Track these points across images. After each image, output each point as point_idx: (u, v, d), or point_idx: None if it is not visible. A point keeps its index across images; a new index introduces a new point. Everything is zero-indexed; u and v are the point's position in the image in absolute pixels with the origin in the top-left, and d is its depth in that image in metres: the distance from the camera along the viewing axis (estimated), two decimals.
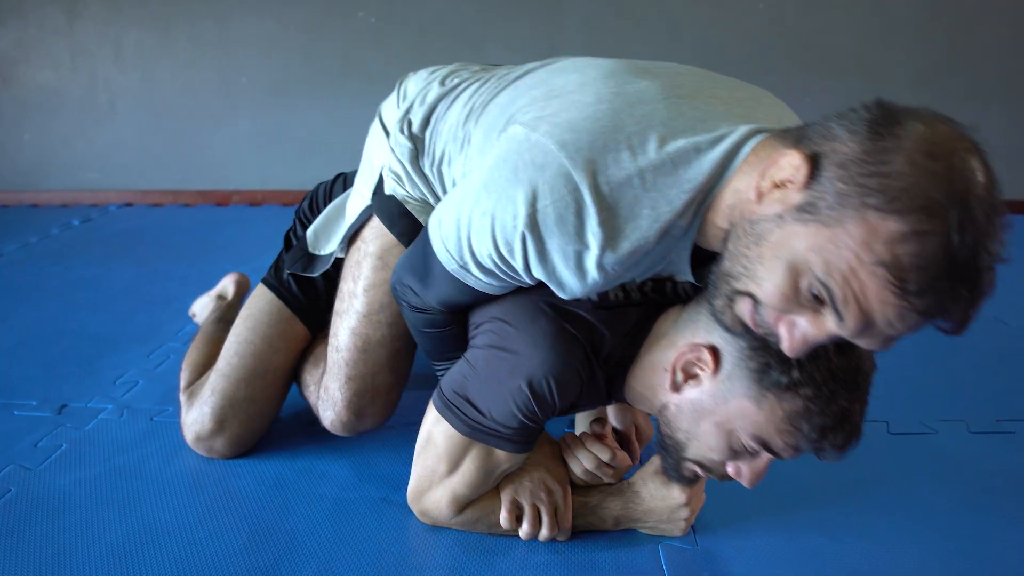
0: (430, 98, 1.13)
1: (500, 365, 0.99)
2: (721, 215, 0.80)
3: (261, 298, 1.36)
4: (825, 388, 0.85)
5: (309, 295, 1.35)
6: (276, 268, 1.39)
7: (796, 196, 0.72)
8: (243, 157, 3.13)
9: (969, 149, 0.68)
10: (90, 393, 1.55)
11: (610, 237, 0.80)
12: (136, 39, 3.01)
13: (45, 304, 2.05)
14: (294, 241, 1.41)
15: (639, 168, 0.79)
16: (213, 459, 1.32)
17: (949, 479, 1.27)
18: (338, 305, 1.25)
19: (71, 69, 3.02)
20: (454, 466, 1.06)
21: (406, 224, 1.15)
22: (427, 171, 1.12)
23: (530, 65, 1.06)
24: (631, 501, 1.09)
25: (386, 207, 1.17)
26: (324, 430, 1.29)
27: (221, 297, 1.72)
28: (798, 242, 0.71)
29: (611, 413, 1.20)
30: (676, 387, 0.93)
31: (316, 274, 1.33)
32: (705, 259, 0.85)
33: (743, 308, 0.78)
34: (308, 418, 1.38)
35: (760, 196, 0.75)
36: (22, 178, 3.14)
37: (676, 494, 1.05)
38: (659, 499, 1.07)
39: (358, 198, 1.25)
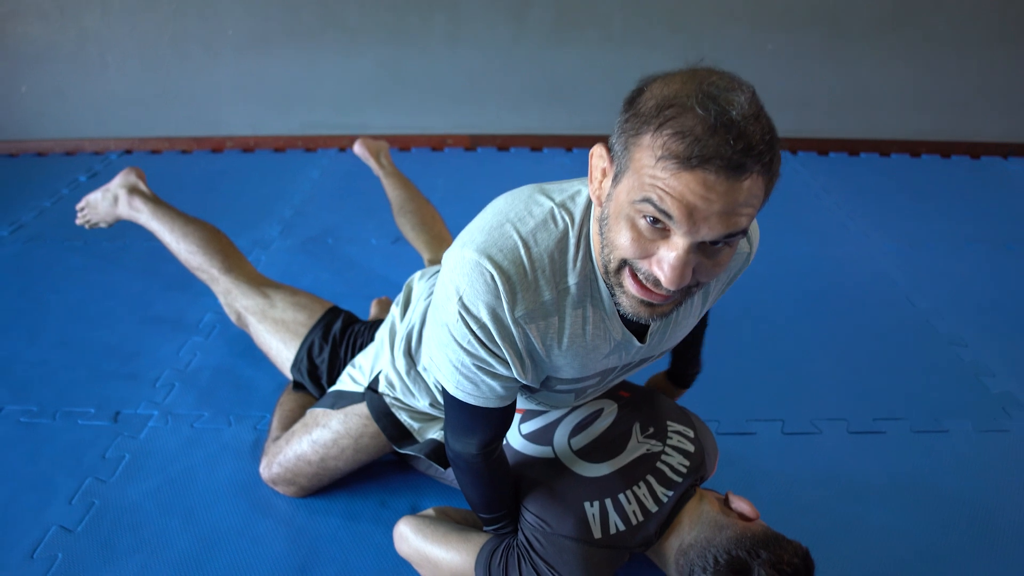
0: (421, 310, 1.42)
1: None
2: (597, 246, 0.99)
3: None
4: None
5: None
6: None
7: (610, 175, 0.91)
8: (233, 106, 3.29)
9: (696, 73, 0.85)
10: (136, 399, 1.86)
11: (511, 290, 0.99)
12: None
13: (72, 289, 2.32)
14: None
15: (521, 236, 1.00)
16: (249, 467, 1.66)
17: (825, 480, 1.63)
18: (310, 417, 1.54)
19: (60, 23, 3.11)
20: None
21: (387, 422, 1.44)
22: (424, 375, 1.40)
23: None
24: None
25: (375, 404, 1.45)
26: None
27: (134, 190, 1.96)
28: (621, 199, 0.88)
29: None
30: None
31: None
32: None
33: (629, 284, 0.93)
34: None
35: (599, 200, 0.94)
36: (24, 128, 3.30)
37: None
38: None
39: (359, 374, 1.52)
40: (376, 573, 1.43)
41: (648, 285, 0.91)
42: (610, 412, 1.39)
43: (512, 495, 1.31)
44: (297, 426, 1.56)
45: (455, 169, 3.22)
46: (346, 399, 1.50)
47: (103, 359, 2.01)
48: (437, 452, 1.43)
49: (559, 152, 3.39)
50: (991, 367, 1.98)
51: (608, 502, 1.27)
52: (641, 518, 1.27)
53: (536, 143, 3.39)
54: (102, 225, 2.04)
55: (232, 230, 2.65)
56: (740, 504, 1.27)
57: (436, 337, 1.08)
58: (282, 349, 1.71)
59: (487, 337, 1.03)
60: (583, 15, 3.11)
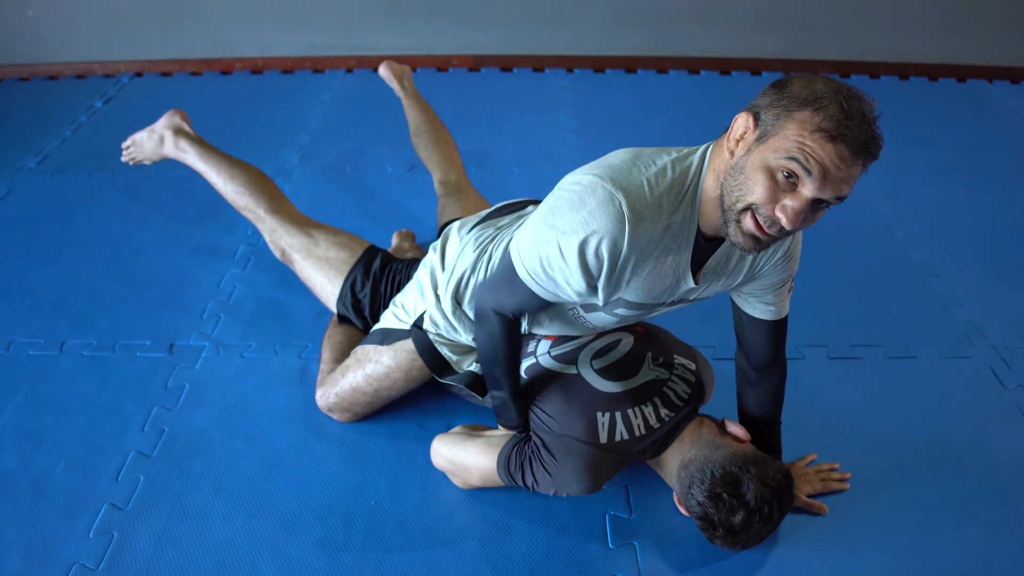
0: (470, 260, 1.58)
1: (546, 482, 1.48)
2: (711, 190, 1.20)
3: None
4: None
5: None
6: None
7: (752, 136, 1.13)
8: (241, 27, 3.34)
9: (829, 80, 1.11)
10: (187, 331, 2.05)
11: (635, 218, 1.18)
12: None
13: (109, 221, 2.47)
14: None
15: (646, 176, 1.20)
16: (299, 394, 1.87)
17: (806, 402, 1.85)
18: (361, 352, 1.74)
19: None
20: (481, 484, 1.61)
21: (431, 356, 1.64)
22: (469, 311, 1.57)
23: None
24: None
25: (420, 340, 1.65)
26: None
27: (180, 131, 2.09)
28: (765, 154, 1.10)
29: None
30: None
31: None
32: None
33: (748, 222, 1.14)
34: None
35: (732, 153, 1.16)
36: (34, 52, 3.34)
37: None
38: None
39: (403, 313, 1.71)
40: (421, 485, 1.66)
41: (764, 226, 1.15)
42: (627, 342, 1.61)
43: (515, 377, 1.52)
44: (350, 361, 1.76)
45: (460, 92, 3.32)
46: (393, 336, 1.69)
47: (150, 291, 2.18)
48: (473, 383, 1.64)
49: (560, 73, 3.48)
50: (959, 296, 2.19)
51: (618, 414, 1.49)
52: (643, 432, 1.50)
53: (539, 64, 3.47)
54: (146, 162, 2.18)
55: (254, 159, 2.76)
56: (734, 429, 1.50)
57: (542, 234, 1.25)
58: (326, 284, 1.89)
59: (595, 266, 1.23)
60: None
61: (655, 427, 1.51)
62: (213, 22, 3.32)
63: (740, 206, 1.14)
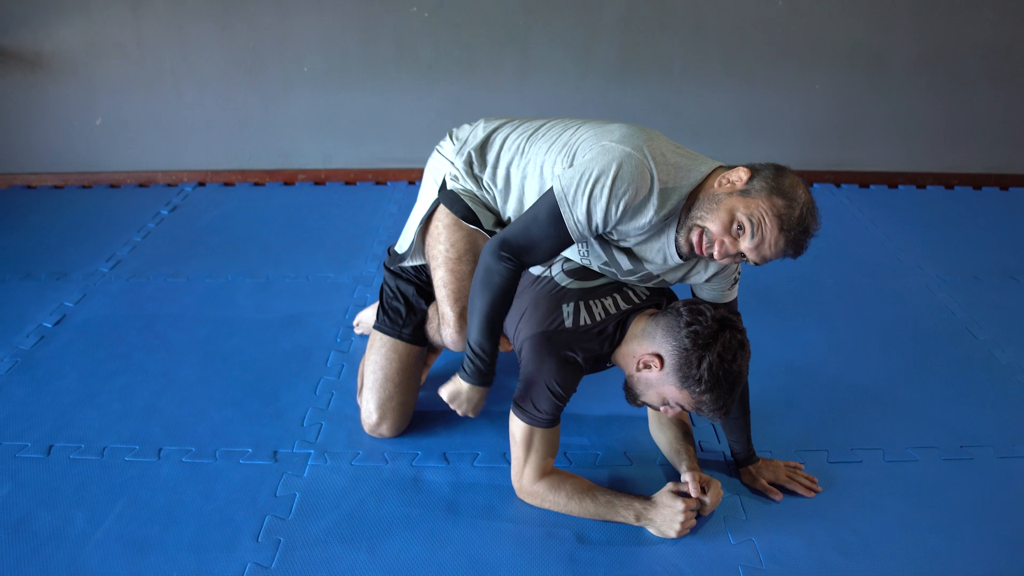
0: (480, 133, 1.81)
1: (533, 381, 1.68)
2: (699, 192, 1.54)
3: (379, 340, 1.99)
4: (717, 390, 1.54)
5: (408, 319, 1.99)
6: (385, 315, 2.02)
7: (739, 187, 1.49)
8: (305, 138, 3.42)
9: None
10: (289, 438, 1.99)
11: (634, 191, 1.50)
12: (198, 31, 3.20)
13: (192, 327, 2.44)
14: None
15: (660, 154, 1.53)
16: (416, 501, 1.81)
17: (926, 504, 1.82)
18: (433, 265, 1.88)
19: (138, 57, 3.22)
20: (528, 448, 1.71)
21: (460, 207, 1.82)
22: (479, 174, 1.80)
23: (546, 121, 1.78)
24: (649, 506, 1.70)
25: (448, 196, 1.84)
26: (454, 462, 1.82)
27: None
28: (737, 204, 1.47)
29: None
30: (638, 370, 1.62)
31: (406, 264, 2.00)
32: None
33: (694, 236, 1.52)
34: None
35: (720, 185, 1.50)
36: (98, 160, 3.40)
37: (679, 505, 1.66)
38: (667, 507, 1.68)
39: (423, 203, 1.90)
40: None
41: (700, 248, 1.54)
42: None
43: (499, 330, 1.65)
44: (434, 277, 1.89)
45: None
46: (429, 210, 1.86)
47: (243, 397, 2.14)
48: (495, 229, 1.81)
49: None
50: None
51: (581, 303, 1.71)
52: (603, 316, 1.70)
53: None
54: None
55: (332, 268, 2.81)
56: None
57: (582, 170, 1.51)
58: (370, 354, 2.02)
59: (629, 201, 1.51)
60: (645, 53, 3.28)
61: (613, 313, 1.70)
62: (278, 134, 3.41)
63: (700, 222, 1.50)
